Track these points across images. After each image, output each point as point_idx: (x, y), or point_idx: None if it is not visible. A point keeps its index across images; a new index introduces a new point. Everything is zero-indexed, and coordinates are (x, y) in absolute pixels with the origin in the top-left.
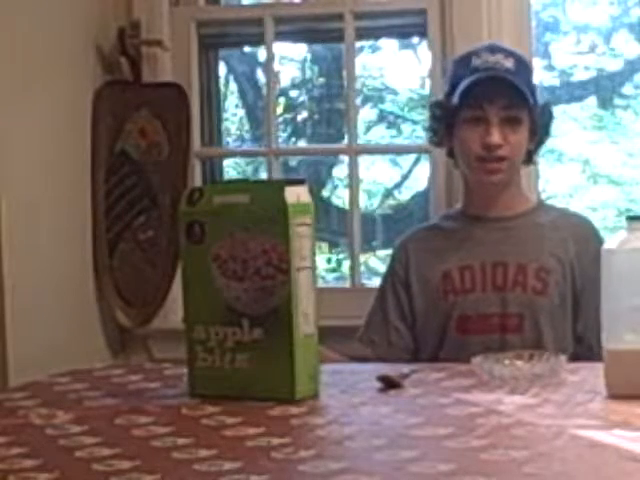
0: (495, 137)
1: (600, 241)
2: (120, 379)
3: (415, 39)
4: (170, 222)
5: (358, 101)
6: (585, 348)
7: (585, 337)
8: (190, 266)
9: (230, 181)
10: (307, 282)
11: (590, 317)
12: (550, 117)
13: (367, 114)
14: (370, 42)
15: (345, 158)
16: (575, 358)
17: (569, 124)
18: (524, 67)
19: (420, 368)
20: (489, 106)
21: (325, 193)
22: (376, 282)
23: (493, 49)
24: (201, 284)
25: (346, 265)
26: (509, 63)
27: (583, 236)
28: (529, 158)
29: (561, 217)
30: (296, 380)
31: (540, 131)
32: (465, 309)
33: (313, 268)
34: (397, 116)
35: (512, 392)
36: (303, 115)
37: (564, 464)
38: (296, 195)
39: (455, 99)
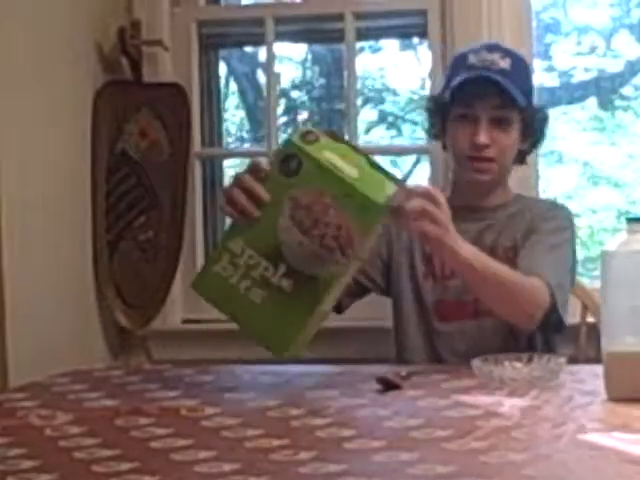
0: (482, 137)
1: (559, 218)
2: (120, 380)
3: (415, 39)
4: (170, 222)
5: (358, 102)
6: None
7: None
8: (267, 189)
9: (352, 146)
10: (351, 273)
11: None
12: (544, 119)
13: (367, 115)
14: (370, 42)
15: None
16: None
17: (569, 125)
18: (521, 68)
19: (419, 370)
20: (479, 104)
21: None
22: None
23: (491, 48)
24: (267, 211)
25: None
26: (505, 63)
27: (541, 213)
28: (521, 158)
29: (534, 202)
30: (295, 342)
31: (533, 133)
32: (444, 295)
33: (363, 262)
34: (397, 117)
35: (511, 394)
36: (303, 115)
37: (563, 466)
38: (391, 196)
39: (447, 94)
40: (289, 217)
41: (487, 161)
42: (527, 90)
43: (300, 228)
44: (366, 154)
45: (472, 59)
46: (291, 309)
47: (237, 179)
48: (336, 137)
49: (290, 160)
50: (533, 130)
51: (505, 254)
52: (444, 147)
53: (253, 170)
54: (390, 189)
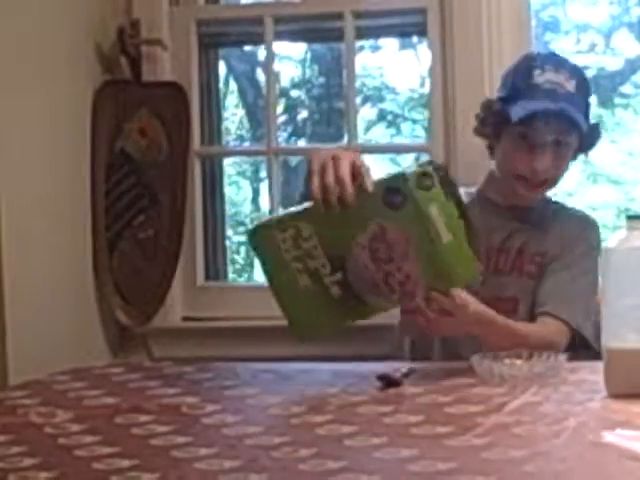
0: (542, 164)
1: (590, 239)
2: (120, 378)
3: (415, 38)
4: (170, 221)
5: (358, 100)
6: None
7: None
8: (360, 200)
9: (462, 207)
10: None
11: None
12: (598, 137)
13: (367, 113)
14: (370, 41)
15: None
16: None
17: None
18: (584, 88)
19: (419, 367)
20: (543, 129)
21: None
22: None
23: (558, 65)
24: (350, 219)
25: None
26: (570, 86)
27: (573, 233)
28: None
29: (565, 213)
30: (317, 336)
31: (585, 149)
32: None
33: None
34: (397, 115)
35: (511, 391)
36: (303, 114)
37: (564, 463)
38: (468, 280)
39: (512, 117)
40: (369, 240)
41: (539, 184)
42: (587, 110)
43: (373, 255)
44: (470, 221)
45: (538, 78)
46: (328, 312)
47: (337, 171)
48: (450, 183)
49: (396, 194)
50: (587, 146)
51: (532, 258)
52: (489, 149)
53: (355, 172)
54: (471, 273)
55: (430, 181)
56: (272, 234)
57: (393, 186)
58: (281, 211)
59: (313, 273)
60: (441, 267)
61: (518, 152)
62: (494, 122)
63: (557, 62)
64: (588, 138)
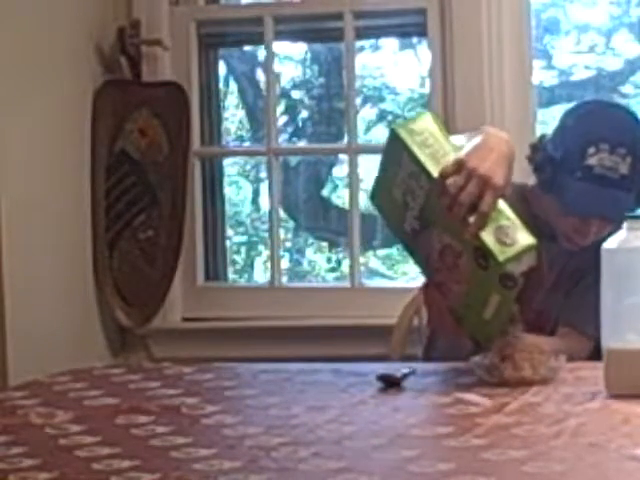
0: (590, 239)
1: None
2: (120, 378)
3: (415, 38)
4: (170, 221)
5: (358, 100)
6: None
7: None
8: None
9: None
10: None
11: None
12: None
13: (367, 113)
14: (370, 41)
15: (345, 158)
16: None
17: None
18: (639, 162)
19: (419, 367)
20: (590, 221)
21: (325, 193)
22: (376, 282)
23: (613, 144)
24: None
25: (346, 265)
26: (625, 166)
27: None
28: None
29: None
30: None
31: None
32: None
33: None
34: (397, 116)
35: (511, 391)
36: (303, 115)
37: (564, 463)
38: None
39: (565, 208)
40: (444, 244)
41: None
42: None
43: (441, 254)
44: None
45: (591, 160)
46: (397, 219)
47: (477, 200)
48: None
49: (485, 254)
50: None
51: (571, 277)
52: (544, 188)
53: (472, 208)
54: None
55: (512, 283)
56: (403, 150)
57: (486, 253)
58: (281, 212)
59: (404, 201)
60: (478, 325)
61: (566, 219)
62: (549, 180)
63: (613, 140)
64: None
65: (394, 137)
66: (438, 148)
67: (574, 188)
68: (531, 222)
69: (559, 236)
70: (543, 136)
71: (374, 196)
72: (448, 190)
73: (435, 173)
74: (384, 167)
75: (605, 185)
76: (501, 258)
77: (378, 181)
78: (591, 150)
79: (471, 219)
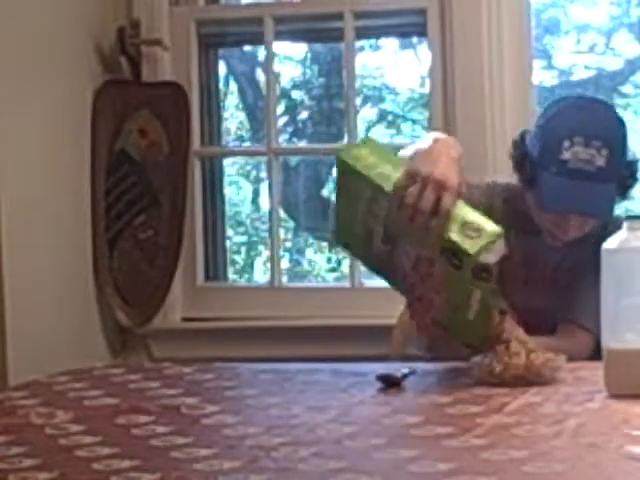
0: (571, 235)
1: None
2: (120, 378)
3: (415, 38)
4: (170, 221)
5: (358, 100)
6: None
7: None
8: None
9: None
10: None
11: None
12: (634, 182)
13: (367, 113)
14: (370, 41)
15: None
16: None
17: None
18: (616, 154)
19: (419, 367)
20: (570, 217)
21: (325, 193)
22: (376, 282)
23: (588, 137)
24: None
25: (346, 265)
26: (601, 158)
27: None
28: None
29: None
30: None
31: (625, 191)
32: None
33: None
34: (397, 115)
35: (511, 391)
36: (303, 115)
37: (564, 463)
38: None
39: (543, 205)
40: (417, 255)
41: (568, 241)
42: (624, 159)
43: (414, 265)
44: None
45: (566, 154)
46: (364, 247)
47: (438, 202)
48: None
49: (455, 255)
50: (625, 189)
51: (567, 272)
52: (525, 185)
53: (433, 214)
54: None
55: (487, 274)
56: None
57: (456, 251)
58: (281, 212)
59: (367, 231)
60: (466, 329)
61: (547, 215)
62: (528, 176)
63: (588, 133)
64: (625, 181)
65: (342, 169)
66: (384, 166)
67: (550, 183)
68: (519, 220)
69: (543, 232)
70: (524, 132)
71: (338, 237)
72: (406, 201)
73: (389, 189)
74: (342, 205)
75: (581, 178)
76: (472, 251)
77: (338, 221)
78: (566, 144)
79: (434, 222)
